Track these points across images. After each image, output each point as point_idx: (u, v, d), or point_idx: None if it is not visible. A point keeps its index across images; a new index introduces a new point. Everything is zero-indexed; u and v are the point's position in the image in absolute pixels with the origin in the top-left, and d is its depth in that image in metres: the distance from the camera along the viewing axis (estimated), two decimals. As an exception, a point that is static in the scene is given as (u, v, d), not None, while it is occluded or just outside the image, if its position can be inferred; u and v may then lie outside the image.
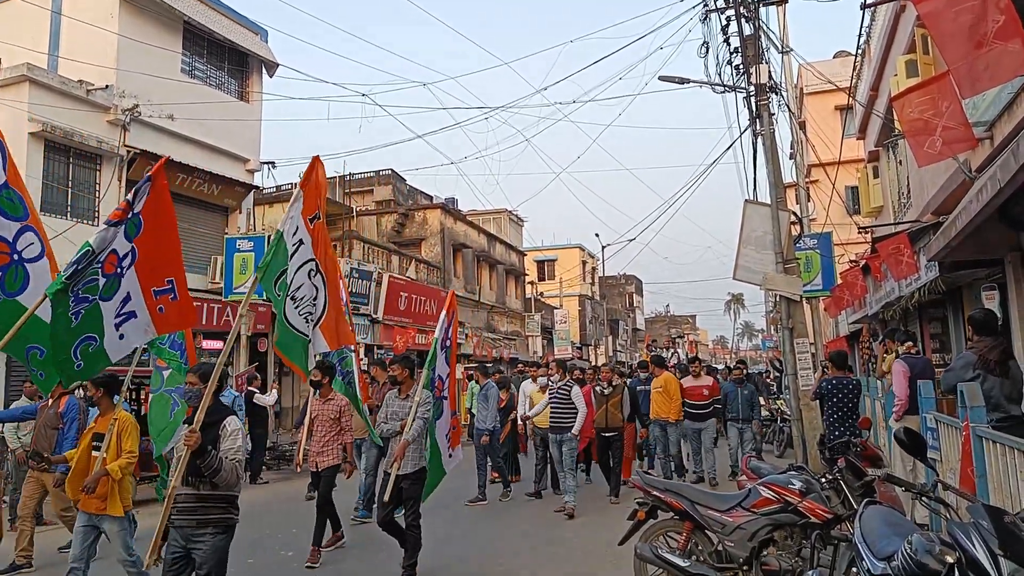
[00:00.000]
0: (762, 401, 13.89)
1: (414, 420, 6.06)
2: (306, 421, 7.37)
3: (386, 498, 6.04)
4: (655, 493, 5.19)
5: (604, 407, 9.54)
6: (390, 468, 6.11)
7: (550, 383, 9.62)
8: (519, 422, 10.82)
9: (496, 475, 10.53)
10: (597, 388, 9.72)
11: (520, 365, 10.81)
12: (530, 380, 11.06)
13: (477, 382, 10.63)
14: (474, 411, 10.76)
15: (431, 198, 31.99)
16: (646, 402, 10.57)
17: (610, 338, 45.40)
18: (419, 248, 26.18)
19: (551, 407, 8.95)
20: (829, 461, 5.11)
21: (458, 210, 32.08)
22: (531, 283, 38.78)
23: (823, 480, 4.71)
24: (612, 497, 9.30)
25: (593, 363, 35.11)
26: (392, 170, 30.55)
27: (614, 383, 9.73)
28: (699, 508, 5.00)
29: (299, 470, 9.10)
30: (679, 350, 25.36)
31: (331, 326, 5.11)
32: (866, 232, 15.08)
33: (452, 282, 26.56)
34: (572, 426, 8.68)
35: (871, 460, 5.35)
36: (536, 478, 9.98)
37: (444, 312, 6.80)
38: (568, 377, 9.31)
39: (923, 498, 3.31)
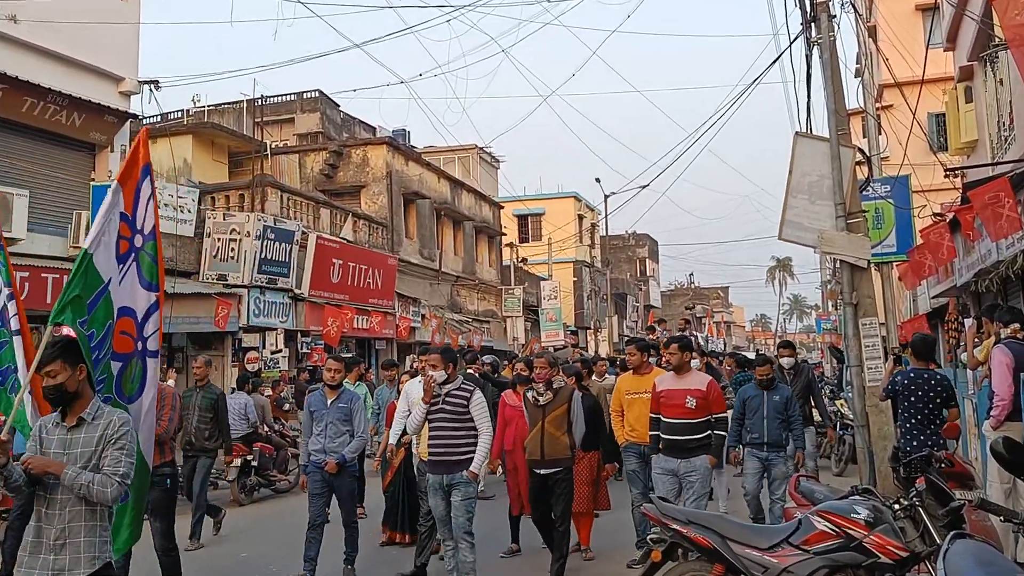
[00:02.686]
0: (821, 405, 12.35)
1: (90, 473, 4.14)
2: None
3: None
4: (675, 527, 5.22)
5: (540, 425, 7.49)
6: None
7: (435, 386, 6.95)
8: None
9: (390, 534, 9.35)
10: (529, 395, 7.80)
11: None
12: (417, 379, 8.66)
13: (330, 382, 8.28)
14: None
15: (374, 130, 31.70)
16: None
17: (615, 318, 45.52)
18: (358, 199, 26.02)
19: (431, 428, 6.95)
20: (905, 481, 5.17)
21: (411, 147, 31.87)
22: (510, 245, 38.78)
23: (896, 507, 4.76)
24: None
25: (595, 351, 35.28)
26: (320, 91, 30.24)
27: (555, 385, 7.66)
28: (733, 546, 5.04)
29: None
30: (698, 333, 25.02)
31: None
32: (955, 175, 15.17)
33: (403, 244, 26.49)
34: (468, 460, 6.78)
35: (959, 479, 5.41)
36: (418, 548, 8.11)
37: (117, 189, 5.16)
38: (461, 378, 7.19)
39: (1028, 531, 3.35)
